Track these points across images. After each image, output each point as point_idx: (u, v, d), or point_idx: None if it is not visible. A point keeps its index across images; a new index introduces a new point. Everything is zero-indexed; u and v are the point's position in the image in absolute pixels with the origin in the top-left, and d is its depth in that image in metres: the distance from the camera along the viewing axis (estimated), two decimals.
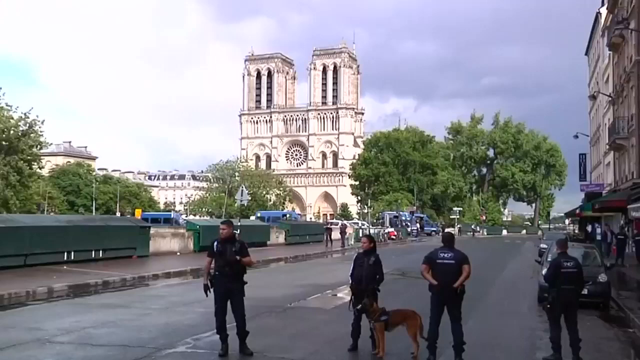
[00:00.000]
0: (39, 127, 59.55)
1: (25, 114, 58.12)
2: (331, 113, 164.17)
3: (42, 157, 67.25)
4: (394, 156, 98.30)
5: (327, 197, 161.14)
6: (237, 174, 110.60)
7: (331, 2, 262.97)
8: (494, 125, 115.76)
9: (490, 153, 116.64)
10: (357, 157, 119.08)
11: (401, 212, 76.85)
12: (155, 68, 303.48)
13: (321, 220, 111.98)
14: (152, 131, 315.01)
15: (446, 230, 48.67)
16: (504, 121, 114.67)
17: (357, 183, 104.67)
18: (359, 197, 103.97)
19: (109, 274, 19.32)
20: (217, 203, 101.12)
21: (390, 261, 25.34)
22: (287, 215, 74.82)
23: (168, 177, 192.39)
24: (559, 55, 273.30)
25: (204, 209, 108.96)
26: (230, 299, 9.02)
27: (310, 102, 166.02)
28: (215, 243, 9.08)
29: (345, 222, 67.08)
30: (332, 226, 46.33)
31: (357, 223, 76.07)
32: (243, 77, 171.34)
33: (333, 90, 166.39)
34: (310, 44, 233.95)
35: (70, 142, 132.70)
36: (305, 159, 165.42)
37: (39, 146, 61.49)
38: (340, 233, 43.89)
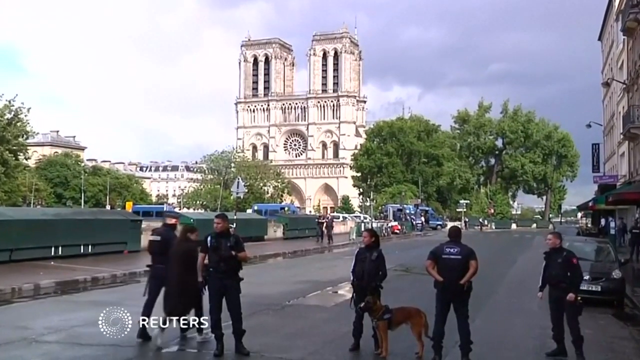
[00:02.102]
0: (25, 116, 59.64)
1: (9, 101, 58.11)
2: (332, 101, 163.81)
3: (28, 147, 67.36)
4: (398, 146, 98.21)
5: (328, 189, 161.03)
6: (233, 165, 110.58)
7: None
8: (502, 114, 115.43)
9: (499, 143, 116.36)
10: (359, 147, 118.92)
11: (405, 205, 76.78)
12: (148, 55, 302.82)
13: (321, 214, 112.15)
14: (144, 120, 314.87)
15: (452, 224, 48.69)
16: (513, 110, 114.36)
17: (359, 174, 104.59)
18: (361, 189, 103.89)
19: (99, 270, 19.33)
20: (212, 195, 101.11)
21: (394, 256, 25.38)
22: (286, 209, 74.92)
23: (160, 169, 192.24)
24: (570, 41, 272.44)
25: (198, 202, 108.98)
26: (226, 296, 9.03)
27: (309, 90, 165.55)
28: (209, 238, 9.08)
29: (332, 215, 66.25)
30: (324, 220, 44.52)
31: (359, 216, 76.14)
32: (239, 63, 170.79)
33: (334, 77, 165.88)
34: (309, 30, 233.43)
35: (57, 131, 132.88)
36: (305, 149, 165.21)
37: (25, 136, 61.60)
38: (327, 227, 41.51)
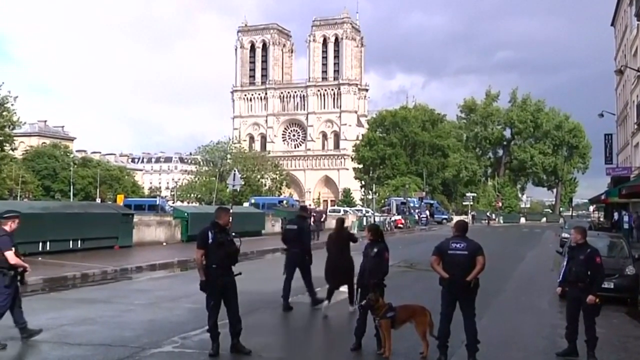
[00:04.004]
0: (12, 105, 59.55)
1: None
2: (332, 89, 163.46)
3: (14, 138, 67.24)
4: (401, 137, 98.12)
5: (328, 181, 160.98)
6: (229, 156, 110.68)
7: None
8: (511, 102, 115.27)
9: (507, 133, 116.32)
10: (360, 137, 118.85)
11: (409, 198, 76.82)
12: (140, 42, 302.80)
13: (321, 207, 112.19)
14: (136, 110, 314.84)
15: (458, 218, 48.59)
16: (522, 98, 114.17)
17: (360, 166, 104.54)
18: (363, 182, 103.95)
19: (89, 266, 19.32)
20: (207, 188, 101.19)
21: (397, 252, 25.36)
22: (284, 202, 74.82)
23: (153, 160, 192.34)
24: (581, 27, 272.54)
25: (192, 195, 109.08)
26: (225, 294, 9.00)
27: (309, 78, 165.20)
28: (211, 233, 8.93)
29: (319, 209, 65.40)
30: (312, 214, 41.62)
31: (361, 210, 76.15)
32: (235, 50, 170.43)
33: (334, 64, 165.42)
34: (309, 16, 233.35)
35: (45, 121, 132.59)
36: (304, 140, 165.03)
37: (11, 126, 61.48)
38: (314, 221, 38.69)
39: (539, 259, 28.34)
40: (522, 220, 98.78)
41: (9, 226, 9.87)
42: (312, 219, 38.78)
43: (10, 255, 9.57)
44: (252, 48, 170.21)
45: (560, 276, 10.11)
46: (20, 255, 9.96)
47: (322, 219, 41.76)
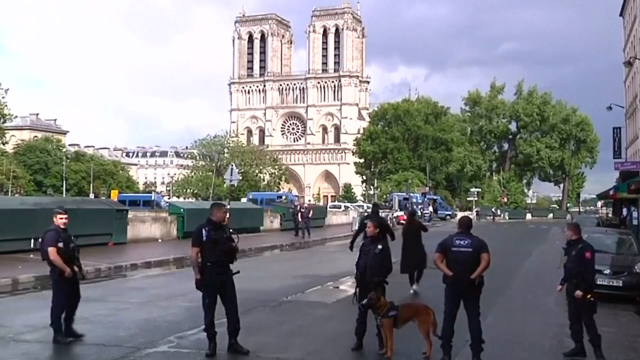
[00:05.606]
0: (2, 97, 59.61)
1: None
2: (332, 82, 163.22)
3: (5, 132, 67.28)
4: (404, 130, 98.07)
5: (328, 176, 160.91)
6: (226, 150, 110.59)
7: None
8: (516, 95, 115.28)
9: (513, 127, 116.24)
10: (362, 131, 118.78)
11: (412, 194, 76.77)
12: (135, 34, 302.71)
13: (321, 203, 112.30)
14: (131, 103, 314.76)
15: (462, 214, 48.52)
16: (528, 91, 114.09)
17: (362, 161, 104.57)
18: (364, 177, 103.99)
19: (82, 263, 19.28)
20: (204, 183, 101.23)
21: (399, 249, 25.35)
22: (283, 197, 74.86)
23: (148, 154, 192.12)
24: (589, 17, 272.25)
25: (188, 190, 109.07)
26: (222, 292, 9.00)
27: (308, 69, 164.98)
28: (204, 230, 8.90)
29: (308, 204, 64.66)
30: (300, 209, 39.89)
31: (362, 206, 76.14)
32: (233, 41, 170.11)
33: (335, 55, 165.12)
34: (308, 6, 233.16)
35: (37, 114, 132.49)
36: (304, 134, 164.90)
37: (2, 119, 61.51)
38: (302, 217, 38.16)
39: (546, 256, 28.29)
40: (528, 216, 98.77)
41: (56, 221, 10.28)
42: (300, 215, 38.77)
43: (51, 251, 10.06)
44: (250, 39, 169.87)
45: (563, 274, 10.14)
46: (76, 250, 10.86)
47: (309, 215, 41.17)
